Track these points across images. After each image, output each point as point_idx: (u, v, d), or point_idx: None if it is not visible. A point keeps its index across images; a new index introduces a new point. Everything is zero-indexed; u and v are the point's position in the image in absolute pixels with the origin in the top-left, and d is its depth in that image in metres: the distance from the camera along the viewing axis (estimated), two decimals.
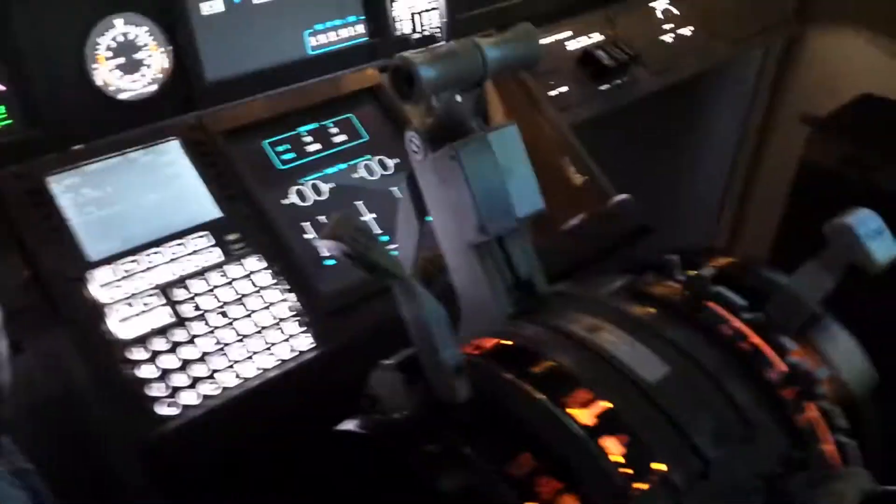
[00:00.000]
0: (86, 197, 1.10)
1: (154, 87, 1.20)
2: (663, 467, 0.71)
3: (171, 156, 1.17)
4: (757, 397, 0.81)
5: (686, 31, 1.91)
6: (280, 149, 1.25)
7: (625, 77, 1.74)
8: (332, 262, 1.17)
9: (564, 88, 1.65)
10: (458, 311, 0.95)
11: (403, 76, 0.83)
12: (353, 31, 1.41)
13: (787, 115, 2.23)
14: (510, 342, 0.84)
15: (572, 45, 1.72)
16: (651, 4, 1.90)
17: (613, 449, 0.71)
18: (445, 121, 0.90)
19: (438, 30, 1.52)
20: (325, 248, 0.75)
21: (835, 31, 2.15)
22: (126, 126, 1.18)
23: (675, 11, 1.92)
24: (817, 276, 0.86)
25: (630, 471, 0.70)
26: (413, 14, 1.47)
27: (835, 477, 0.72)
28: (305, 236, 1.19)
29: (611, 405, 0.75)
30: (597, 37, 1.76)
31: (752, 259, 1.08)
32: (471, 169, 0.87)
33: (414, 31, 1.48)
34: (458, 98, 0.89)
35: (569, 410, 0.74)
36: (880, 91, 2.00)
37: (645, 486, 0.70)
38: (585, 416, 0.74)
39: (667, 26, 1.89)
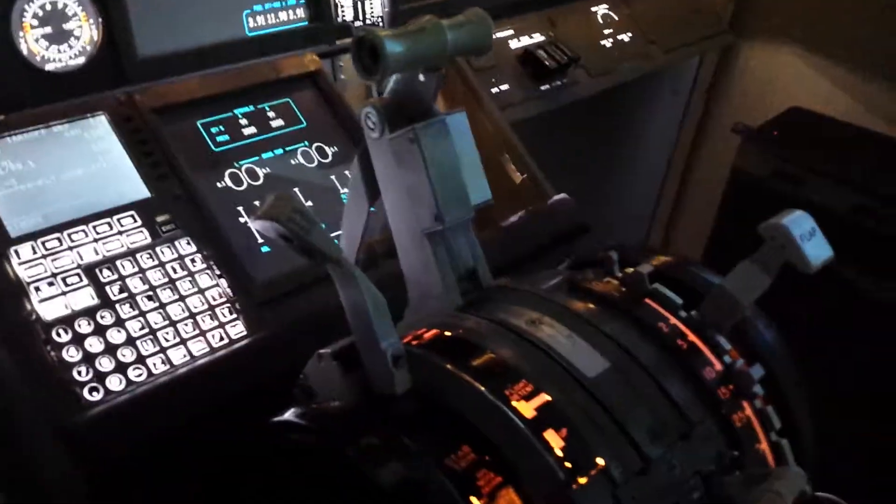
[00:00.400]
0: (6, 170, 1.04)
1: (82, 60, 1.15)
2: (602, 462, 0.71)
3: (99, 131, 1.12)
4: (694, 395, 0.81)
5: (625, 36, 1.94)
6: (214, 130, 1.21)
7: (564, 78, 1.75)
8: (268, 248, 1.13)
9: (505, 86, 1.65)
10: (402, 299, 0.93)
11: (367, 50, 0.80)
12: (294, 14, 1.37)
13: (721, 124, 2.29)
14: (451, 333, 0.83)
15: (514, 44, 1.72)
16: (592, 9, 1.92)
17: (553, 442, 0.71)
18: (405, 100, 0.87)
19: (380, 19, 1.49)
20: (261, 227, 0.72)
21: (767, 44, 2.22)
22: (51, 98, 1.12)
23: (615, 17, 1.95)
24: (752, 277, 0.87)
25: (568, 465, 0.70)
26: (355, 1, 1.45)
27: (772, 476, 0.72)
28: (240, 220, 1.15)
29: (550, 398, 0.74)
30: (538, 37, 1.76)
31: (688, 259, 1.09)
32: (430, 153, 0.85)
33: (356, 18, 1.46)
34: (422, 78, 0.87)
35: (510, 403, 0.73)
36: (808, 104, 2.07)
37: (583, 480, 0.69)
38: (525, 408, 0.73)
39: (606, 31, 1.91)
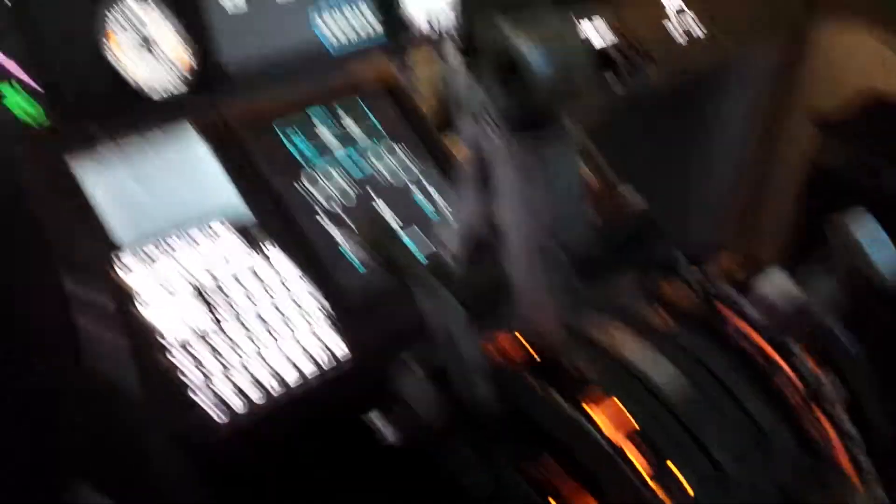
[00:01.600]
0: (109, 180, 1.09)
1: (184, 88, 1.20)
2: (685, 483, 0.72)
3: (189, 143, 1.18)
4: (766, 403, 0.82)
5: (695, 27, 1.91)
6: (289, 131, 1.26)
7: (635, 74, 1.74)
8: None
9: None
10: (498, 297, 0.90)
11: (504, 64, 0.68)
12: (373, 31, 1.41)
13: (796, 114, 2.22)
14: (535, 349, 0.85)
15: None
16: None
17: (638, 463, 0.73)
18: (533, 103, 0.73)
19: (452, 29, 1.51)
20: (353, 252, 0.77)
21: (844, 26, 2.12)
22: (146, 115, 1.18)
23: (684, 7, 1.91)
24: (822, 281, 0.87)
25: (655, 486, 0.72)
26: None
27: (853, 492, 0.72)
28: (320, 223, 1.19)
29: (637, 427, 0.75)
30: (603, 29, 1.74)
31: (756, 259, 1.08)
32: (553, 168, 0.75)
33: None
34: None
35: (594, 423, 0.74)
36: (889, 90, 1.98)
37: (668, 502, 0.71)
38: (611, 429, 0.74)
39: (676, 22, 1.89)
